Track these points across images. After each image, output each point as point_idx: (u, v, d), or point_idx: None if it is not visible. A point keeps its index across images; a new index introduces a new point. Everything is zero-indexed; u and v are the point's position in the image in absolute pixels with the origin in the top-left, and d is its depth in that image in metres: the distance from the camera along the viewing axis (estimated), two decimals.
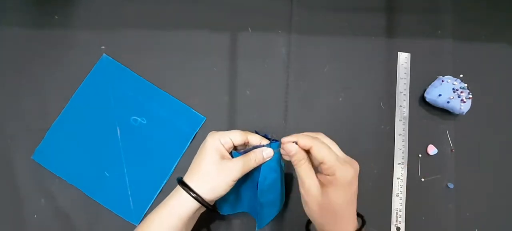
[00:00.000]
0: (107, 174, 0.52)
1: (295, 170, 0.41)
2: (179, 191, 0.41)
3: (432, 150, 0.55)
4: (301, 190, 0.40)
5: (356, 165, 0.39)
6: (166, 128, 0.54)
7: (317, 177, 0.39)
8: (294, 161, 0.40)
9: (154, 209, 0.43)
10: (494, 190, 0.55)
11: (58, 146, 0.52)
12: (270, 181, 0.45)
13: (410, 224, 0.53)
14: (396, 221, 0.53)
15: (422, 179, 0.54)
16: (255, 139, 0.44)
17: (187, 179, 0.42)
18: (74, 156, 0.52)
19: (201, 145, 0.44)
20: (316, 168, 0.41)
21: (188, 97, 0.54)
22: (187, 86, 0.55)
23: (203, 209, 0.43)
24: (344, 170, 0.37)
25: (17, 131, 0.53)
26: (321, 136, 0.42)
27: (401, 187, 0.54)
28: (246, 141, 0.44)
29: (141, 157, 0.53)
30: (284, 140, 0.41)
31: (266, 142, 0.44)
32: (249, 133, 0.45)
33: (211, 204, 0.42)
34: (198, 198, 0.40)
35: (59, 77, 0.54)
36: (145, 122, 0.54)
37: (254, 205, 0.47)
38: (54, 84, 0.54)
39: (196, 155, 0.44)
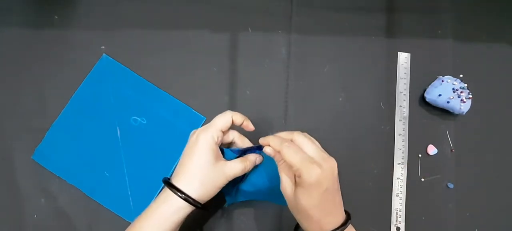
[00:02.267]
0: (107, 174, 0.52)
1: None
2: (171, 196, 0.39)
3: (432, 150, 0.55)
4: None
5: (327, 164, 0.38)
6: (166, 128, 0.54)
7: (295, 178, 0.39)
8: (276, 161, 0.41)
9: (144, 213, 0.40)
10: (494, 190, 0.55)
11: (58, 146, 0.52)
12: (255, 178, 0.45)
13: (410, 224, 0.53)
14: (396, 221, 0.53)
15: (422, 179, 0.54)
16: (238, 118, 0.43)
17: (179, 182, 0.40)
18: (74, 156, 0.52)
19: (192, 143, 0.41)
20: None
21: (188, 97, 0.54)
22: (187, 86, 0.55)
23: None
24: (309, 171, 0.36)
25: (17, 131, 0.53)
26: (296, 136, 0.40)
27: (401, 187, 0.54)
28: (230, 122, 0.43)
29: (141, 157, 0.53)
30: (260, 141, 0.42)
31: (248, 122, 0.44)
32: (232, 112, 0.43)
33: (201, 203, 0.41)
34: (197, 204, 0.39)
35: (59, 77, 0.54)
36: (145, 122, 0.54)
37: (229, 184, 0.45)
38: (54, 84, 0.54)
39: (186, 153, 0.41)
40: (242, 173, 0.42)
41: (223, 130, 0.42)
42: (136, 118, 0.54)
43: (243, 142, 0.46)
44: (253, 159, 0.43)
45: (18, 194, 0.52)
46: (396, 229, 0.53)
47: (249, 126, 0.45)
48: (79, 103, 0.54)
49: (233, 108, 0.54)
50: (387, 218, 0.53)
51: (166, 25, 0.56)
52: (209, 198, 0.41)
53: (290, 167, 0.39)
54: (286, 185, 0.39)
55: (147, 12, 0.56)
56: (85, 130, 0.53)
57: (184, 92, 0.55)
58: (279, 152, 0.39)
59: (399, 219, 0.53)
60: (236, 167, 0.41)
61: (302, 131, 0.43)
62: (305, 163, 0.37)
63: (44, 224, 0.51)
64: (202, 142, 0.40)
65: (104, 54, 0.55)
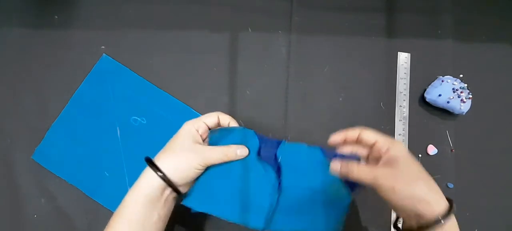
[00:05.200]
0: (107, 174, 0.52)
1: (356, 179, 0.39)
2: (147, 170, 0.41)
3: (432, 150, 0.55)
4: (376, 187, 0.37)
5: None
6: (166, 128, 0.54)
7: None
8: (349, 172, 0.39)
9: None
10: (494, 190, 0.55)
11: (58, 146, 0.52)
12: (302, 195, 0.41)
13: None
14: (396, 221, 0.53)
15: None
16: (224, 118, 0.45)
17: (156, 159, 0.41)
18: (74, 156, 0.52)
19: (179, 129, 0.43)
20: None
21: (188, 97, 0.54)
22: (187, 86, 0.55)
23: (174, 193, 0.41)
24: (396, 141, 0.40)
25: (17, 131, 0.53)
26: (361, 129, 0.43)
27: None
28: (216, 121, 0.44)
29: (141, 157, 0.52)
30: (331, 141, 0.43)
31: (234, 123, 0.44)
32: (220, 113, 0.45)
33: (179, 188, 0.41)
34: (164, 177, 0.39)
35: (59, 77, 0.54)
36: (145, 122, 0.54)
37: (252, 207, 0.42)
38: (54, 84, 0.54)
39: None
40: (222, 161, 0.41)
41: (209, 125, 0.44)
42: (136, 117, 0.54)
43: (222, 119, 0.45)
44: (234, 149, 0.42)
45: (18, 194, 0.52)
46: (396, 229, 0.53)
47: (232, 123, 0.46)
48: (79, 103, 0.54)
49: (233, 108, 0.54)
50: (387, 218, 0.53)
51: (166, 25, 0.56)
52: (184, 179, 0.41)
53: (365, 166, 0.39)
54: (380, 173, 0.37)
55: (147, 12, 0.56)
56: (85, 130, 0.53)
57: (184, 92, 0.55)
58: (357, 138, 0.42)
59: (399, 219, 0.53)
60: (212, 153, 0.41)
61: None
62: (388, 138, 0.40)
63: (44, 224, 0.51)
64: (184, 128, 0.43)
65: (104, 54, 0.55)
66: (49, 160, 0.52)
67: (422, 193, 0.36)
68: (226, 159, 0.42)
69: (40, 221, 0.51)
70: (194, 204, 0.42)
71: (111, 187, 0.52)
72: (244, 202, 0.42)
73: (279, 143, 0.43)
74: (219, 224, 0.50)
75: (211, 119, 0.44)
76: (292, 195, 0.42)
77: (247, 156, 0.42)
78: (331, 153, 0.42)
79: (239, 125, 0.46)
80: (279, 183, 0.42)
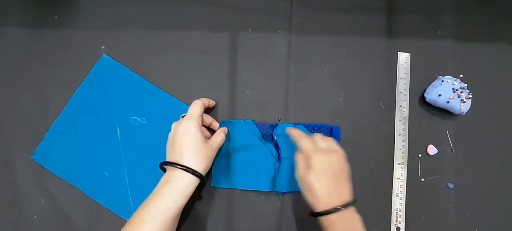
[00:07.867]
0: (107, 174, 0.52)
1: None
2: (182, 173, 0.44)
3: (432, 150, 0.55)
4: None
5: (334, 155, 0.45)
6: (166, 128, 0.53)
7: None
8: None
9: (156, 193, 0.44)
10: (494, 190, 0.55)
11: (58, 146, 0.53)
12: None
13: (410, 224, 0.53)
14: (396, 221, 0.53)
15: (422, 179, 0.54)
16: (205, 102, 0.51)
17: (186, 161, 0.45)
18: (74, 156, 0.52)
19: (182, 131, 0.46)
20: None
21: (188, 97, 0.54)
22: (187, 86, 0.55)
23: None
24: (318, 158, 0.44)
25: (17, 131, 0.53)
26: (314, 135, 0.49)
27: (401, 187, 0.54)
28: (203, 107, 0.50)
29: (141, 157, 0.53)
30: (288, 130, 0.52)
31: (212, 102, 0.53)
32: (201, 100, 0.50)
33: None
34: (199, 175, 0.45)
35: (59, 77, 0.54)
36: (145, 122, 0.54)
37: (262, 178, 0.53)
38: (54, 84, 0.54)
39: (180, 140, 0.46)
40: (222, 143, 0.51)
41: (201, 115, 0.49)
42: (136, 117, 0.54)
43: (206, 103, 0.52)
44: (224, 130, 0.52)
45: (18, 194, 0.52)
46: (396, 229, 0.53)
47: (212, 103, 0.53)
48: (79, 103, 0.54)
49: (233, 108, 0.55)
50: (387, 218, 0.53)
51: (166, 25, 0.56)
52: (207, 170, 0.47)
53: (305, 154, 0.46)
54: (300, 167, 0.46)
55: (147, 12, 0.56)
56: (85, 130, 0.53)
57: (184, 92, 0.55)
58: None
59: (399, 219, 0.53)
60: (217, 139, 0.50)
61: None
62: (316, 150, 0.45)
63: (44, 224, 0.51)
64: (192, 128, 0.47)
65: (104, 54, 0.55)
66: (49, 160, 0.52)
67: (320, 194, 0.43)
68: (224, 138, 0.51)
69: (40, 221, 0.51)
70: (220, 184, 0.53)
71: (111, 187, 0.52)
72: (255, 173, 0.53)
73: (273, 125, 0.54)
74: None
75: (200, 109, 0.49)
76: (289, 163, 0.52)
77: (251, 141, 0.53)
78: (310, 126, 0.53)
79: (216, 105, 0.55)
80: (279, 155, 0.53)
